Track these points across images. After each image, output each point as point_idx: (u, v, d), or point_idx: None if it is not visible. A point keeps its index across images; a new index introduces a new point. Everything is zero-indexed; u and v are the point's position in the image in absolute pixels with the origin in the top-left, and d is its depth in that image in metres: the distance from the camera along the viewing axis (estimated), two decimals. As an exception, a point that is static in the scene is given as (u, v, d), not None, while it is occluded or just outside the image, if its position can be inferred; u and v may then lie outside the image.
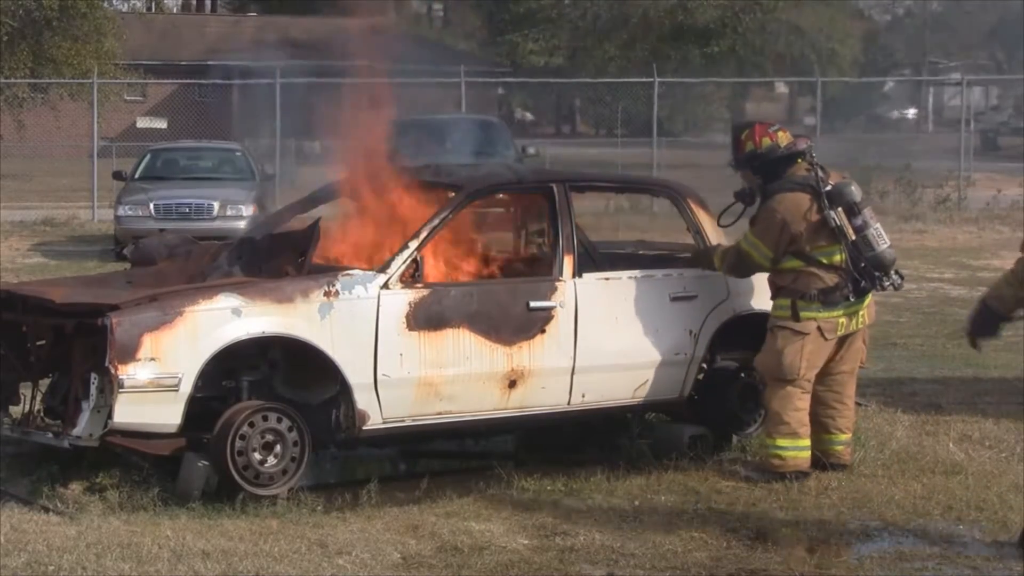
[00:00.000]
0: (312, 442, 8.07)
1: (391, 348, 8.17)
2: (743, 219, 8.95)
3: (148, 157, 24.28)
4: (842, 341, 8.63)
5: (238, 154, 24.68)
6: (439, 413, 8.39)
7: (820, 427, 8.68)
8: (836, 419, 8.73)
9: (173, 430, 7.80)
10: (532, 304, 8.57)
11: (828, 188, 8.55)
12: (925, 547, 7.34)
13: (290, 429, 7.98)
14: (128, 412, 7.62)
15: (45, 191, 32.20)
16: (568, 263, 8.72)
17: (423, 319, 8.27)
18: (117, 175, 23.90)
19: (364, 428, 8.17)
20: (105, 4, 39.63)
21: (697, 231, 9.31)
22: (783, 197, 8.60)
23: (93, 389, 7.76)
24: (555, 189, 8.91)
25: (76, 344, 7.99)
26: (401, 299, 8.25)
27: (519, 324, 8.52)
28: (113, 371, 7.55)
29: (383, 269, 8.28)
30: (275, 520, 7.52)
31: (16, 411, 8.55)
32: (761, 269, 8.77)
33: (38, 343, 8.33)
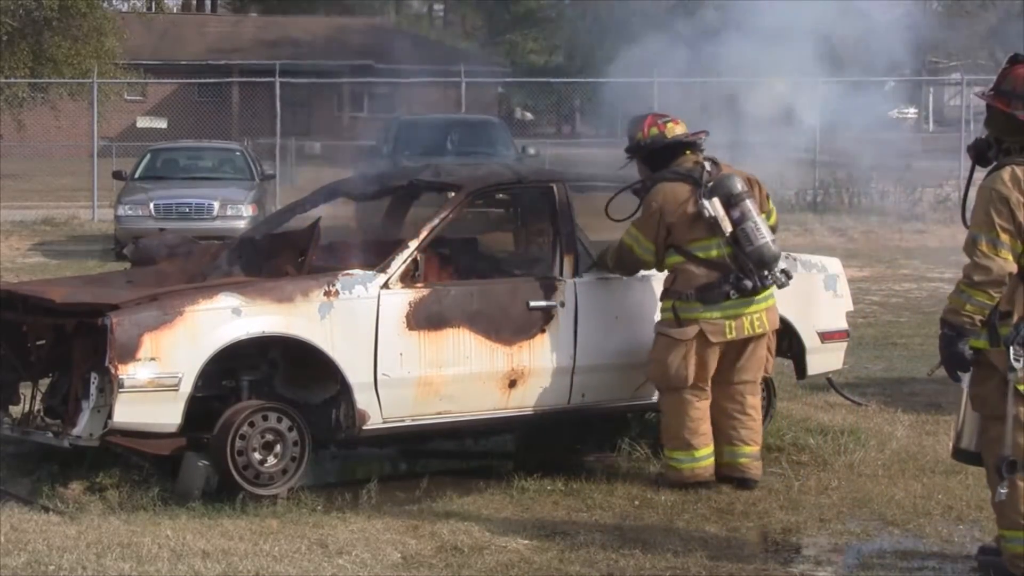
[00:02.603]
0: (312, 442, 8.07)
1: (391, 348, 8.17)
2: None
3: (148, 157, 24.29)
4: (741, 349, 8.34)
5: (238, 154, 24.70)
6: (439, 413, 8.39)
7: (723, 438, 8.38)
8: (739, 430, 8.40)
9: (173, 430, 7.80)
10: (532, 304, 8.57)
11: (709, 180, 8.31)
12: (925, 547, 7.35)
13: (290, 429, 7.98)
14: (128, 412, 7.62)
15: (45, 191, 32.20)
16: (568, 263, 8.72)
17: (423, 319, 8.27)
18: (117, 175, 23.91)
19: (364, 428, 8.17)
20: (105, 4, 39.63)
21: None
22: (661, 187, 8.40)
23: (93, 389, 7.76)
24: (555, 189, 8.91)
25: (76, 344, 7.99)
26: (401, 299, 8.25)
27: (519, 324, 8.52)
28: (113, 371, 7.55)
29: (383, 269, 8.29)
30: (275, 520, 7.52)
31: (16, 411, 8.56)
32: (646, 265, 8.55)
33: (38, 343, 8.33)
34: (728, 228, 8.26)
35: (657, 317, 8.51)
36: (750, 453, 8.43)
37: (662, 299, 8.44)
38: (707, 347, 8.26)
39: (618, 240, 8.60)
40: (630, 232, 8.49)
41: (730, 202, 8.28)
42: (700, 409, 8.33)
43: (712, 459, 8.34)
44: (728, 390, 8.41)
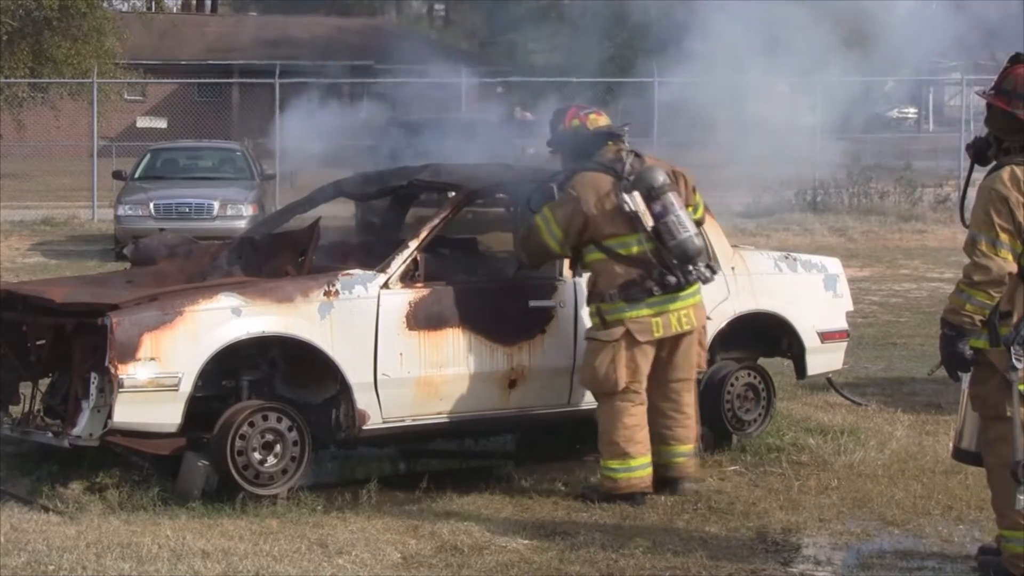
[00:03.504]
0: (312, 442, 8.07)
1: (391, 348, 8.17)
2: None
3: (148, 157, 24.30)
4: (673, 347, 8.19)
5: (238, 154, 24.70)
6: (439, 413, 8.38)
7: (658, 439, 8.21)
8: (674, 429, 8.25)
9: (173, 430, 7.80)
10: (532, 303, 8.57)
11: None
12: (925, 547, 7.34)
13: (290, 429, 7.98)
14: (128, 412, 7.62)
15: (45, 191, 32.20)
16: (567, 262, 8.71)
17: (423, 319, 8.27)
18: (117, 175, 23.92)
19: (364, 428, 8.16)
20: (105, 4, 39.60)
21: (697, 231, 9.29)
22: (582, 176, 8.23)
23: (93, 389, 7.76)
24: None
25: (76, 344, 7.99)
26: (401, 299, 8.25)
27: (519, 324, 8.51)
28: (113, 371, 7.55)
29: (383, 269, 8.29)
30: (275, 520, 7.53)
31: (16, 411, 8.56)
32: (548, 251, 8.30)
33: (38, 343, 8.33)
34: (649, 223, 8.06)
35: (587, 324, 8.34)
36: (686, 452, 8.28)
37: (587, 304, 8.26)
38: (636, 347, 8.08)
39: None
40: (543, 213, 8.24)
41: (651, 195, 8.08)
42: (636, 416, 8.12)
43: (650, 469, 8.10)
44: (662, 389, 8.25)
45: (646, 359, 8.13)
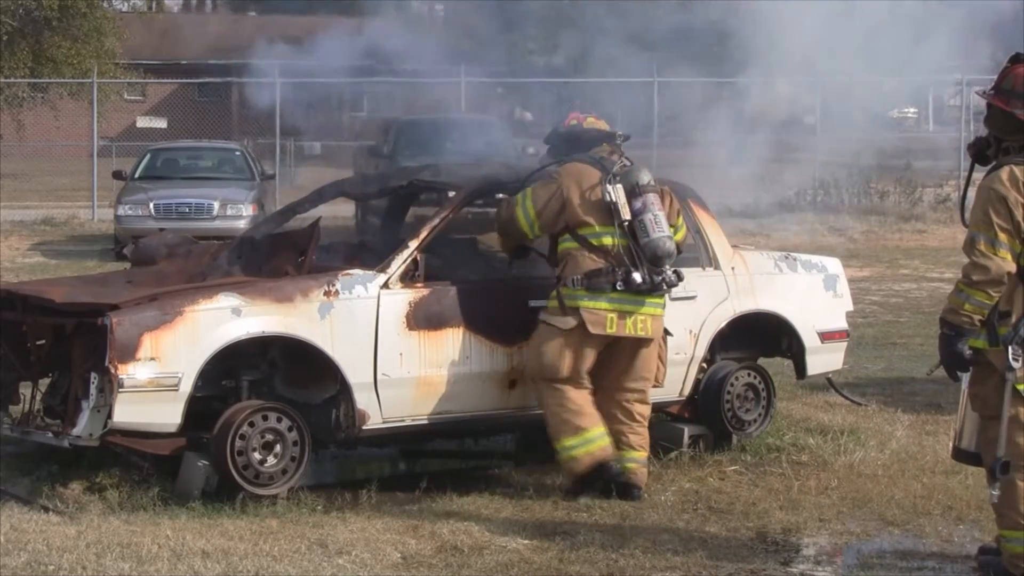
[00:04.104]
0: (312, 442, 8.07)
1: (391, 348, 8.17)
2: None
3: (148, 157, 24.30)
4: (631, 354, 8.16)
5: (238, 154, 24.71)
6: (439, 413, 8.38)
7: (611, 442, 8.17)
8: (628, 435, 8.19)
9: (173, 430, 7.80)
10: (532, 303, 8.56)
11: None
12: (925, 547, 7.35)
13: (290, 429, 7.98)
14: (128, 412, 7.62)
15: (45, 191, 32.20)
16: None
17: (423, 319, 8.27)
18: (117, 175, 23.92)
19: (364, 428, 8.16)
20: (105, 4, 39.62)
21: (697, 231, 9.30)
22: (569, 165, 8.29)
23: (93, 389, 7.76)
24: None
25: (76, 344, 7.99)
26: (401, 299, 8.25)
27: (519, 323, 8.51)
28: (113, 371, 7.55)
29: (383, 269, 8.29)
30: (275, 520, 7.53)
31: (16, 411, 8.56)
32: (519, 228, 8.30)
33: (38, 343, 8.33)
34: (626, 216, 8.08)
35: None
36: (638, 459, 8.23)
37: (554, 289, 8.25)
38: (586, 339, 8.06)
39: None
40: (524, 191, 8.31)
41: (634, 192, 8.11)
42: (580, 395, 8.10)
43: (607, 439, 8.08)
44: (616, 396, 8.22)
45: (592, 354, 8.11)
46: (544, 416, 8.26)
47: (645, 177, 8.18)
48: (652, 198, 8.14)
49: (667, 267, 8.12)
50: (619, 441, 8.22)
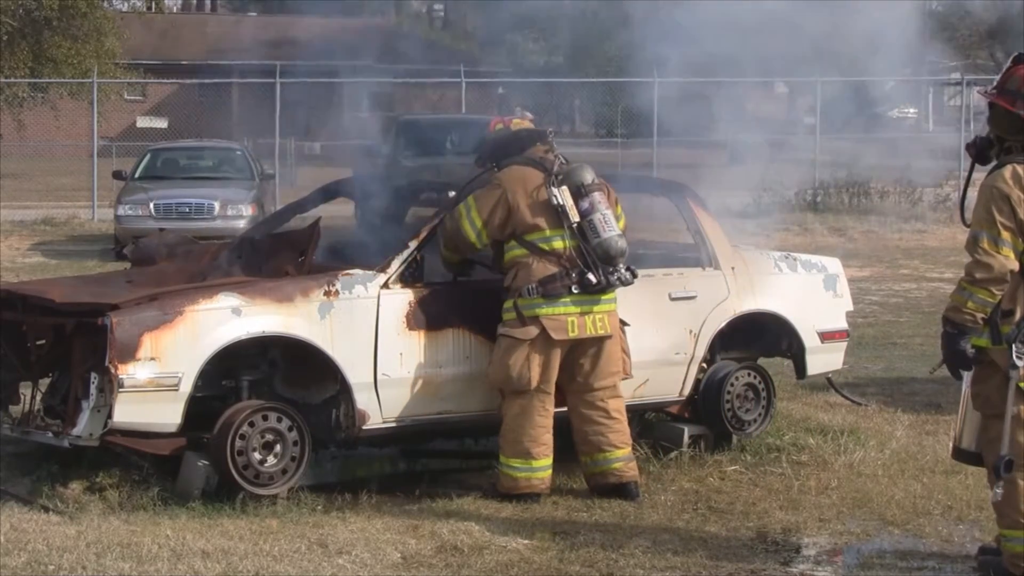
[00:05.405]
0: (312, 442, 8.07)
1: (391, 348, 8.17)
2: None
3: (148, 157, 24.30)
4: (595, 353, 8.13)
5: (238, 154, 24.70)
6: (439, 413, 8.39)
7: (592, 447, 8.18)
8: (607, 435, 8.16)
9: (173, 430, 7.80)
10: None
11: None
12: (925, 547, 7.35)
13: (290, 429, 7.98)
14: (128, 412, 7.62)
15: (45, 191, 32.18)
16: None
17: (423, 319, 8.27)
18: (117, 175, 23.91)
19: (364, 428, 8.16)
20: (105, 4, 39.59)
21: (697, 231, 9.31)
22: (510, 169, 8.25)
23: (93, 388, 7.76)
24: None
25: (76, 344, 7.99)
26: (401, 299, 8.25)
27: (519, 324, 8.49)
28: (113, 371, 7.55)
29: (383, 269, 8.29)
30: (275, 520, 7.53)
31: (16, 411, 8.56)
32: (466, 240, 8.23)
33: (38, 343, 8.33)
34: (575, 218, 8.06)
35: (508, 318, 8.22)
36: (623, 456, 8.21)
37: (505, 299, 8.18)
38: (550, 346, 8.04)
39: None
40: (466, 201, 8.26)
41: (580, 192, 8.10)
42: (545, 417, 8.09)
43: (550, 471, 8.12)
44: (588, 398, 8.19)
45: (557, 359, 8.10)
46: (502, 425, 8.20)
47: (589, 176, 8.17)
48: (598, 197, 8.12)
49: (620, 265, 8.12)
50: (600, 443, 8.20)
